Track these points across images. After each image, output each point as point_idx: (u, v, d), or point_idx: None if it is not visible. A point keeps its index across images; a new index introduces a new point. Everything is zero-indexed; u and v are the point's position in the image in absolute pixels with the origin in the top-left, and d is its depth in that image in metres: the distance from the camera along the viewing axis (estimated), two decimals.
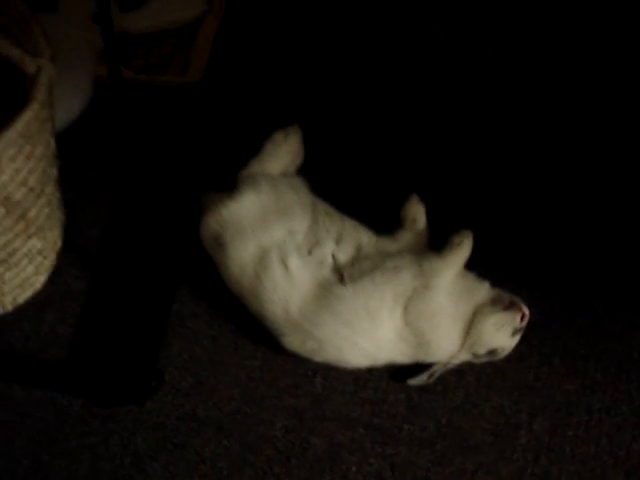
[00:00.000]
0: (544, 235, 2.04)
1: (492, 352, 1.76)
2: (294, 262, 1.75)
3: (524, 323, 1.75)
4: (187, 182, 2.09)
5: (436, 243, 1.84)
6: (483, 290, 1.78)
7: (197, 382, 1.87)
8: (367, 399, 1.85)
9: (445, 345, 1.74)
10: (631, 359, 1.88)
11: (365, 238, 1.82)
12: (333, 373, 1.86)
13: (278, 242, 1.77)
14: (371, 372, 1.86)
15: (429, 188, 2.02)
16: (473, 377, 1.85)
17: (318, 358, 1.76)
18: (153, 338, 1.89)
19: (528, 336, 1.85)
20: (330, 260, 1.78)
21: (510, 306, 1.75)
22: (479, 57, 2.28)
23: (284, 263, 1.75)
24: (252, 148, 1.97)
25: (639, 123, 2.20)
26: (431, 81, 2.30)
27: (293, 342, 1.76)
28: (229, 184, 1.91)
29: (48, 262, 1.92)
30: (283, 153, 1.93)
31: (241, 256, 1.78)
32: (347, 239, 1.81)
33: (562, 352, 1.89)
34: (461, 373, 1.86)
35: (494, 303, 1.76)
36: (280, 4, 2.46)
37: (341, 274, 1.76)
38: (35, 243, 1.81)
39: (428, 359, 1.77)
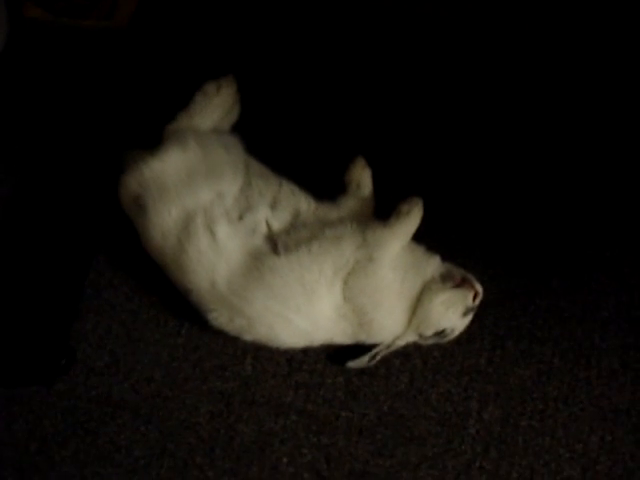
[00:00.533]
0: (501, 205, 1.87)
1: (441, 333, 1.60)
2: (222, 229, 1.56)
3: (477, 302, 1.60)
4: (108, 137, 1.90)
5: (382, 212, 1.66)
6: (433, 265, 1.62)
7: (113, 361, 1.73)
8: (301, 383, 1.71)
9: (389, 325, 1.58)
10: (592, 343, 1.75)
11: (304, 204, 1.64)
12: (265, 353, 1.70)
13: (205, 206, 1.58)
14: (307, 353, 1.70)
15: (376, 150, 1.83)
16: (419, 360, 1.72)
17: (248, 337, 1.59)
18: (64, 311, 1.74)
19: (480, 316, 1.72)
20: (263, 227, 1.59)
21: (462, 283, 1.60)
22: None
23: (211, 230, 1.56)
24: (181, 100, 1.76)
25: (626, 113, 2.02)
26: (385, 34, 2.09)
27: (220, 318, 1.58)
28: (155, 140, 1.69)
29: None
30: (215, 106, 1.73)
31: (163, 221, 1.58)
32: (283, 204, 1.62)
33: (517, 334, 1.76)
34: (406, 356, 1.72)
35: (444, 279, 1.61)
36: None
37: (275, 243, 1.57)
38: None
39: (370, 340, 1.62)
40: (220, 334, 1.69)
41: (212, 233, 1.57)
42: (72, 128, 1.91)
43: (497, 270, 1.80)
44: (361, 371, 1.70)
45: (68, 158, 1.88)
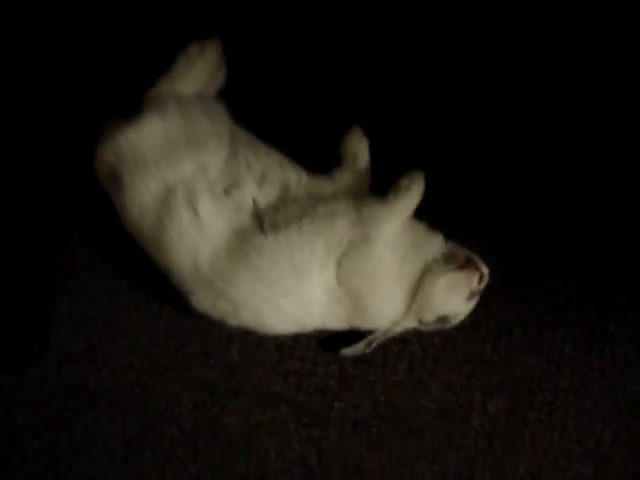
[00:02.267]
0: (508, 178, 1.73)
1: (443, 319, 1.49)
2: (205, 205, 1.44)
3: (482, 285, 1.49)
4: (82, 104, 1.77)
5: (379, 186, 1.52)
6: (434, 245, 1.50)
7: (89, 347, 1.63)
8: (292, 371, 1.62)
9: (386, 310, 1.46)
10: (605, 331, 1.65)
11: (294, 177, 1.51)
12: (252, 339, 1.61)
13: (186, 179, 1.45)
14: (297, 339, 1.61)
15: (374, 119, 1.69)
16: (418, 347, 1.63)
17: (233, 322, 1.47)
18: (37, 292, 1.64)
19: (485, 300, 1.59)
20: (250, 203, 1.46)
21: (466, 264, 1.49)
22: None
23: (193, 206, 1.44)
24: (162, 64, 1.62)
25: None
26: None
27: (203, 302, 1.46)
28: (133, 107, 1.56)
29: None
30: (198, 70, 1.60)
31: (141, 195, 1.46)
32: (271, 178, 1.50)
33: (525, 320, 1.65)
34: (404, 342, 1.63)
35: (447, 260, 1.49)
36: None
37: (261, 221, 1.44)
38: None
39: (366, 325, 1.50)
40: (204, 318, 1.58)
41: (194, 209, 1.45)
42: (43, 94, 1.78)
43: (504, 250, 1.68)
44: (356, 359, 1.60)
45: (39, 128, 1.75)
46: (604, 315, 1.66)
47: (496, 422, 1.58)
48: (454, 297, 1.50)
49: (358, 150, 1.58)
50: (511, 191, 1.68)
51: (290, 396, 1.59)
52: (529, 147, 1.76)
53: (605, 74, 1.81)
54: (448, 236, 1.56)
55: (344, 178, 1.57)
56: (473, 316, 1.60)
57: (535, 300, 1.66)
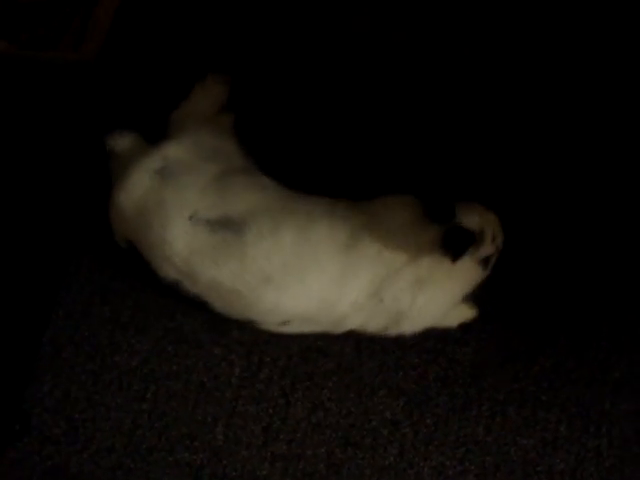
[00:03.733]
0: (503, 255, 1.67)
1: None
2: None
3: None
4: (73, 176, 1.76)
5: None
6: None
7: (71, 428, 1.57)
8: (278, 454, 1.55)
9: None
10: (602, 409, 1.59)
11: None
12: (238, 421, 1.54)
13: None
14: (285, 421, 1.51)
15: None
16: (409, 429, 1.55)
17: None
18: (18, 371, 1.59)
19: (478, 379, 1.55)
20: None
21: None
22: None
23: None
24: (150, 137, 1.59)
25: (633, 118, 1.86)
26: None
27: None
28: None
29: None
30: (212, 97, 1.73)
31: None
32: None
33: (519, 399, 1.58)
34: (395, 424, 1.54)
35: None
36: None
37: None
38: None
39: None
40: (188, 399, 1.54)
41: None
42: (35, 165, 1.77)
43: (496, 327, 1.63)
44: (345, 442, 1.54)
45: (28, 198, 1.73)
46: (600, 393, 1.60)
47: None
48: None
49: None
50: (499, 267, 1.63)
51: None
52: (519, 213, 1.72)
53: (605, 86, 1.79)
54: None
55: None
56: (465, 396, 1.56)
57: (528, 379, 1.60)
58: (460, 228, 1.40)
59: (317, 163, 1.74)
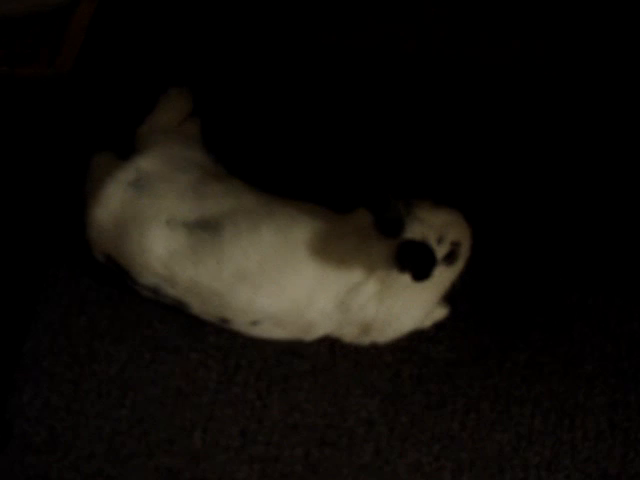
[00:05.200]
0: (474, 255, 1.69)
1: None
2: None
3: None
4: (49, 189, 1.78)
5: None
6: None
7: (52, 436, 1.58)
8: (256, 456, 1.56)
9: None
10: (576, 402, 1.61)
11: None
12: (215, 425, 1.55)
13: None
14: (262, 423, 1.53)
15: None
16: (385, 427, 1.56)
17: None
18: None
19: (451, 376, 1.57)
20: None
21: None
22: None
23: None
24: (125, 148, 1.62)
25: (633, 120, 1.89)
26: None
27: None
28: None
29: None
30: (176, 109, 1.76)
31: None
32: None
33: (492, 395, 1.60)
34: (371, 423, 1.55)
35: None
36: None
37: None
38: None
39: None
40: (167, 405, 1.55)
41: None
42: (11, 179, 1.80)
43: (468, 324, 1.65)
44: (321, 442, 1.55)
45: (4, 212, 1.76)
46: (573, 386, 1.62)
47: None
48: None
49: None
50: (470, 265, 1.65)
51: None
52: (490, 217, 1.74)
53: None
54: None
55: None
56: (439, 393, 1.57)
57: (501, 374, 1.62)
58: (410, 244, 1.36)
59: (285, 166, 1.76)
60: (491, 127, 1.84)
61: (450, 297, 1.59)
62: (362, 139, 1.82)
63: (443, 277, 1.47)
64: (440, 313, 1.61)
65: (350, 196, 1.55)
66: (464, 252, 1.46)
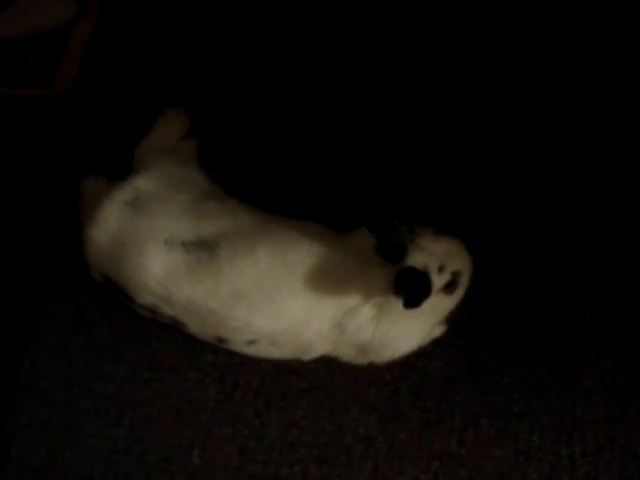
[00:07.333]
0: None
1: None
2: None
3: None
4: (45, 211, 1.79)
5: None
6: None
7: (50, 457, 1.58)
8: (255, 475, 1.55)
9: None
10: (574, 417, 1.61)
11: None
12: (213, 443, 1.54)
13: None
14: (260, 441, 1.53)
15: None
16: (383, 445, 1.56)
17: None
18: None
19: (449, 393, 1.57)
20: None
21: None
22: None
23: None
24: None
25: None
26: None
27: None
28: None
29: None
30: (173, 130, 1.79)
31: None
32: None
33: (490, 411, 1.60)
34: (369, 440, 1.55)
35: None
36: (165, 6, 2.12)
37: None
38: None
39: None
40: (165, 424, 1.56)
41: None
42: (9, 200, 1.82)
43: (466, 341, 1.66)
44: (320, 459, 1.55)
45: (1, 233, 1.77)
46: (571, 402, 1.62)
47: None
48: None
49: None
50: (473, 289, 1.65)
51: None
52: (485, 233, 1.75)
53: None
54: None
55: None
56: (437, 410, 1.57)
57: (499, 390, 1.62)
58: (409, 271, 1.36)
59: (283, 185, 1.77)
60: (491, 150, 1.85)
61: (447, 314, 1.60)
62: (361, 159, 1.83)
63: (442, 305, 1.47)
64: (438, 330, 1.61)
65: (350, 215, 1.55)
66: (464, 281, 1.46)
